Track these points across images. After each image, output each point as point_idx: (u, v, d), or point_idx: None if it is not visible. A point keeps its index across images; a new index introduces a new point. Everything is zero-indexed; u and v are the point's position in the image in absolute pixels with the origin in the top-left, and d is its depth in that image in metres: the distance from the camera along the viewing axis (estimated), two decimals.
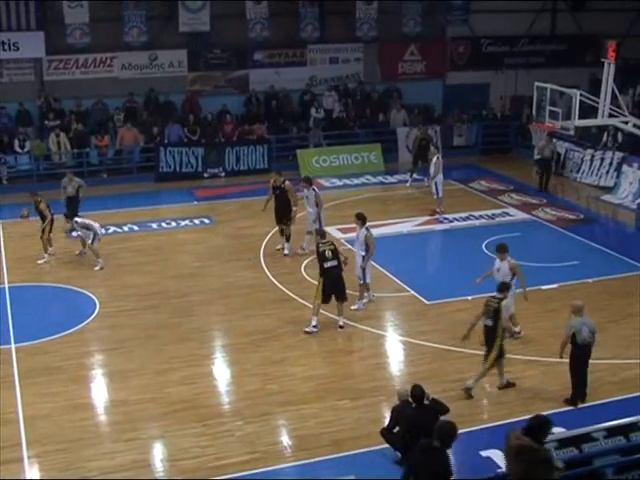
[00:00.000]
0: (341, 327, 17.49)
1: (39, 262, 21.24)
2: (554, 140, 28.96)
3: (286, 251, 21.78)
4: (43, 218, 21.43)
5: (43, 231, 21.34)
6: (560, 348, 14.41)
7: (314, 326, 17.24)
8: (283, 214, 21.80)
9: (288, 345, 16.84)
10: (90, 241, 21.00)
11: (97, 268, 20.74)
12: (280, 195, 21.81)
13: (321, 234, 17.91)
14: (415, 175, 28.80)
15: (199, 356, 16.42)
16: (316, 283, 19.66)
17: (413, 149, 30.49)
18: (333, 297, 17.39)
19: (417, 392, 11.50)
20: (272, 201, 21.97)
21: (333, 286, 17.25)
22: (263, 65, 32.47)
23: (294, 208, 21.74)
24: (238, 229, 23.91)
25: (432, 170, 25.24)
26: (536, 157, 30.84)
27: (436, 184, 25.06)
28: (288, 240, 21.88)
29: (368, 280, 18.48)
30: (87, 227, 21.02)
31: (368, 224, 18.62)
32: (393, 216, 25.16)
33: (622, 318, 17.69)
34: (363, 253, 18.28)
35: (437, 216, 24.88)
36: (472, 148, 33.29)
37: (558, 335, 16.79)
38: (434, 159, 25.26)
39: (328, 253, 17.23)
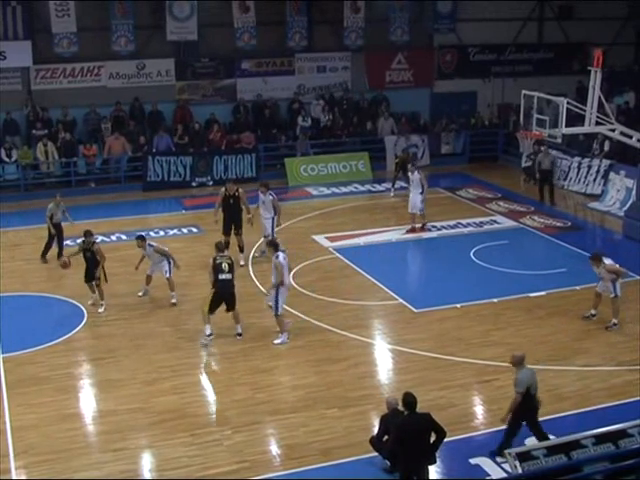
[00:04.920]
0: (239, 335, 17.51)
1: (100, 310, 18.90)
2: (551, 151, 28.88)
3: (242, 262, 21.58)
4: (95, 262, 18.96)
5: (96, 277, 18.97)
6: (510, 408, 12.78)
7: (208, 335, 17.22)
8: (237, 223, 21.73)
9: (276, 354, 16.82)
10: (167, 272, 19.28)
11: (173, 301, 19.31)
12: (234, 203, 21.69)
13: (220, 248, 17.82)
14: (397, 184, 28.66)
15: (188, 365, 16.38)
16: (305, 292, 19.77)
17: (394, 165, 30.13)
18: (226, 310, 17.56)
19: (410, 399, 11.49)
20: (220, 212, 21.84)
21: (223, 298, 17.28)
22: (251, 74, 32.51)
23: (249, 215, 21.87)
24: None
25: (419, 185, 24.27)
26: (524, 165, 31.01)
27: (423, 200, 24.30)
28: (242, 251, 21.84)
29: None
30: (163, 253, 19.34)
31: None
32: (381, 224, 25.20)
33: (610, 325, 17.72)
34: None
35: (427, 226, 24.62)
36: (460, 156, 33.36)
37: (546, 342, 16.98)
38: (415, 174, 24.40)
39: (224, 266, 17.24)
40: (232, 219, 21.75)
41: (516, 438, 12.82)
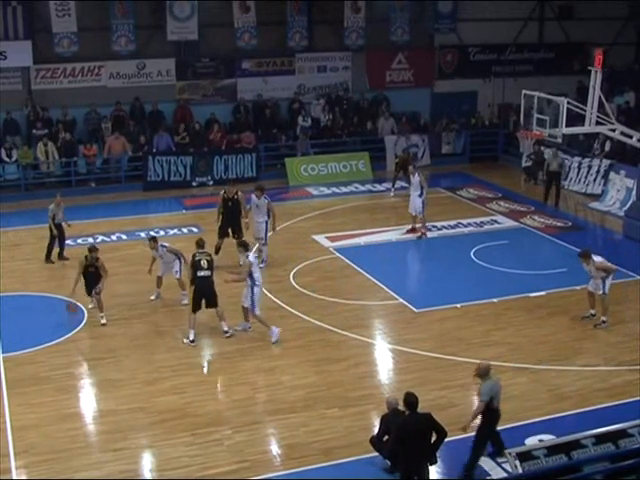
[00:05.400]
0: (226, 332, 17.47)
1: (102, 322, 18.15)
2: (560, 153, 28.84)
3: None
4: (97, 277, 18.30)
5: (97, 289, 18.25)
6: (472, 418, 12.65)
7: (192, 341, 17.18)
8: (235, 227, 21.53)
9: (277, 354, 16.82)
10: (177, 273, 19.07)
11: (185, 302, 18.82)
12: (233, 206, 21.50)
13: (200, 245, 17.78)
14: (397, 184, 28.62)
15: (188, 365, 16.37)
16: (305, 292, 19.77)
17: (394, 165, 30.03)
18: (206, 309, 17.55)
19: (411, 399, 11.49)
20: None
21: (203, 294, 17.24)
22: (251, 74, 32.51)
23: (245, 220, 21.63)
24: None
25: (419, 187, 23.86)
26: (524, 165, 31.02)
27: (423, 202, 23.91)
28: None
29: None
30: (176, 253, 19.15)
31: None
32: (381, 224, 25.18)
33: (611, 325, 17.71)
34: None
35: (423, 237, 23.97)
36: (460, 156, 33.35)
37: (546, 342, 16.97)
38: (415, 176, 24.04)
39: (204, 263, 17.26)
40: (230, 222, 21.58)
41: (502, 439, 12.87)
